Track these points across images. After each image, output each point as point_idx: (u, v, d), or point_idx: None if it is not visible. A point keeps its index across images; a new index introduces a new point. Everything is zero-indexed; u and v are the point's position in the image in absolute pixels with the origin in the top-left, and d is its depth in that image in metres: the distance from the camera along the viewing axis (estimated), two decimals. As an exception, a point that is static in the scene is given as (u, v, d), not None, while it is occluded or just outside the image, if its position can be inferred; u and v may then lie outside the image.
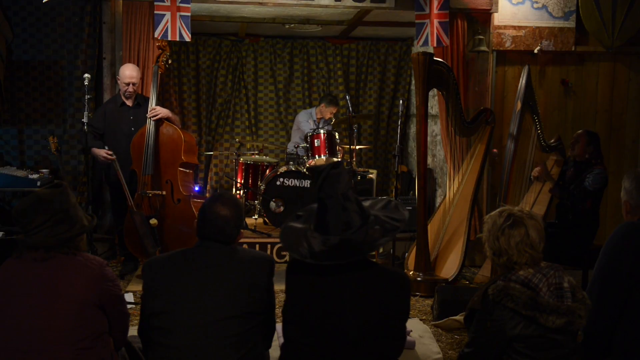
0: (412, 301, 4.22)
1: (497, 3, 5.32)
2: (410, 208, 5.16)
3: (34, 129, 5.51)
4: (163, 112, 4.61)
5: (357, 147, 5.96)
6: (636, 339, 2.33)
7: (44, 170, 4.88)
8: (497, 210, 2.32)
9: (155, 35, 4.82)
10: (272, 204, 5.43)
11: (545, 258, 2.24)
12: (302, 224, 2.25)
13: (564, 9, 5.45)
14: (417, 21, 5.17)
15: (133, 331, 2.41)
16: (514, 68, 5.49)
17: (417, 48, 5.22)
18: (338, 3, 5.14)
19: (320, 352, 2.07)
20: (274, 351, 2.50)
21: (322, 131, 5.60)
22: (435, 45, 5.14)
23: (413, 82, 6.65)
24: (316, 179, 2.15)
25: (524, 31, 5.42)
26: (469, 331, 2.33)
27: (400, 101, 4.97)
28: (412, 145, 6.76)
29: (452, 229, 4.82)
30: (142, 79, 4.85)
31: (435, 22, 5.09)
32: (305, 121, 6.21)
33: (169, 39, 4.82)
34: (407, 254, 4.89)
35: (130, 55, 4.98)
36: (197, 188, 5.17)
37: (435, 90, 5.05)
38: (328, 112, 6.17)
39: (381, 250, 5.23)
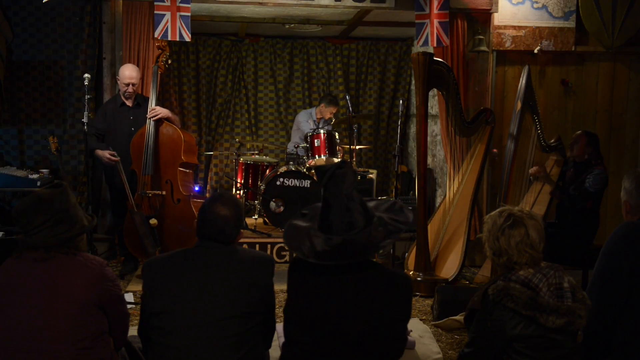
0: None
1: (497, 3, 5.32)
2: (411, 208, 5.13)
3: (34, 129, 5.51)
4: (163, 112, 4.61)
5: (357, 147, 5.96)
6: (636, 339, 2.33)
7: (44, 170, 4.88)
8: (497, 210, 2.31)
9: (155, 35, 4.81)
10: (272, 204, 5.43)
11: (545, 258, 2.24)
12: (307, 223, 2.23)
13: (564, 9, 5.44)
14: (417, 21, 5.17)
15: (133, 331, 2.41)
16: (514, 68, 5.48)
17: (417, 48, 5.22)
18: (338, 3, 5.14)
19: (321, 352, 2.06)
20: (274, 351, 2.51)
21: (322, 131, 5.61)
22: (435, 45, 5.14)
23: (413, 82, 6.65)
24: (321, 178, 2.15)
25: (524, 31, 5.42)
26: (469, 331, 2.33)
27: (400, 101, 4.97)
28: (412, 145, 6.76)
29: (452, 229, 4.82)
30: (142, 79, 4.85)
31: (435, 22, 5.09)
32: (305, 121, 6.21)
33: (169, 39, 4.82)
34: (407, 254, 4.89)
35: (130, 55, 4.98)
36: (197, 188, 5.17)
37: (435, 90, 5.05)
38: (328, 112, 6.17)
39: (381, 250, 5.23)
